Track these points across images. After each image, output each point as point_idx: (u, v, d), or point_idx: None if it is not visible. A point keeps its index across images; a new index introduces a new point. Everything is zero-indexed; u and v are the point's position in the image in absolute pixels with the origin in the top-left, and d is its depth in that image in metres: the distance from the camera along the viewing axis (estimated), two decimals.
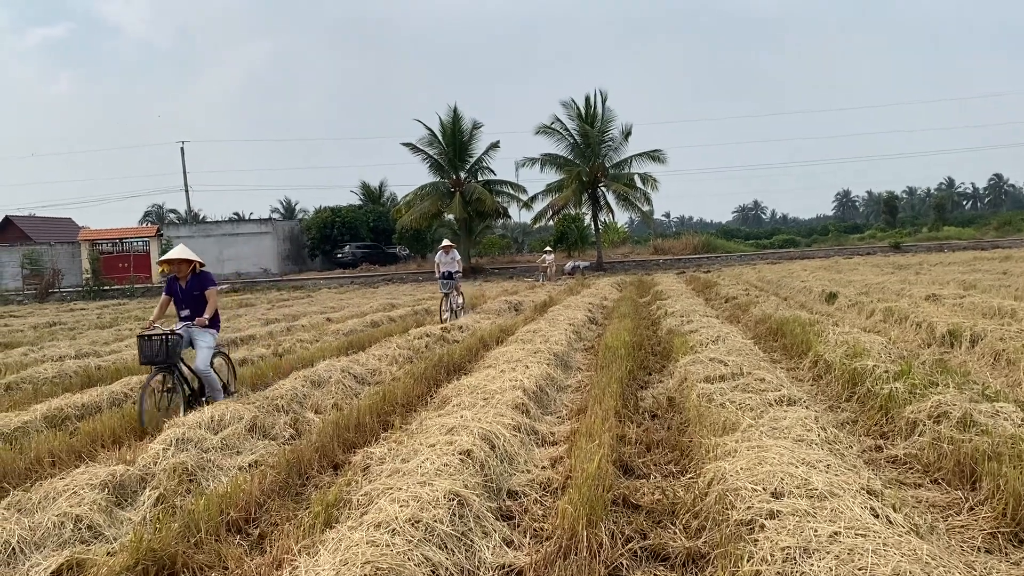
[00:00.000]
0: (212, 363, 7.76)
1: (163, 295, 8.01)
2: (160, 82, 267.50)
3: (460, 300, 17.11)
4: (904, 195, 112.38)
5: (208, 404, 7.23)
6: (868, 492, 4.00)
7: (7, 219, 62.22)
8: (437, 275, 16.95)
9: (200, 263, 7.95)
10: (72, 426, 7.23)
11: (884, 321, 11.62)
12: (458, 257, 17.22)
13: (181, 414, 7.00)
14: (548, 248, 34.32)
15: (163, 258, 8.01)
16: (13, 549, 4.06)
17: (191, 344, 7.66)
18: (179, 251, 7.91)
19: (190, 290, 7.83)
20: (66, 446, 6.32)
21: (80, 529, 4.45)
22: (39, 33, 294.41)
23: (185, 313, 7.81)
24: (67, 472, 5.33)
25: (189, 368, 7.65)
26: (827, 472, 4.19)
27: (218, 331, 8.01)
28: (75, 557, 4.06)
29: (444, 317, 15.92)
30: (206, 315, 7.66)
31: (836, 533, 3.40)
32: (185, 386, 7.55)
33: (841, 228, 71.63)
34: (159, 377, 7.44)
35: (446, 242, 17.47)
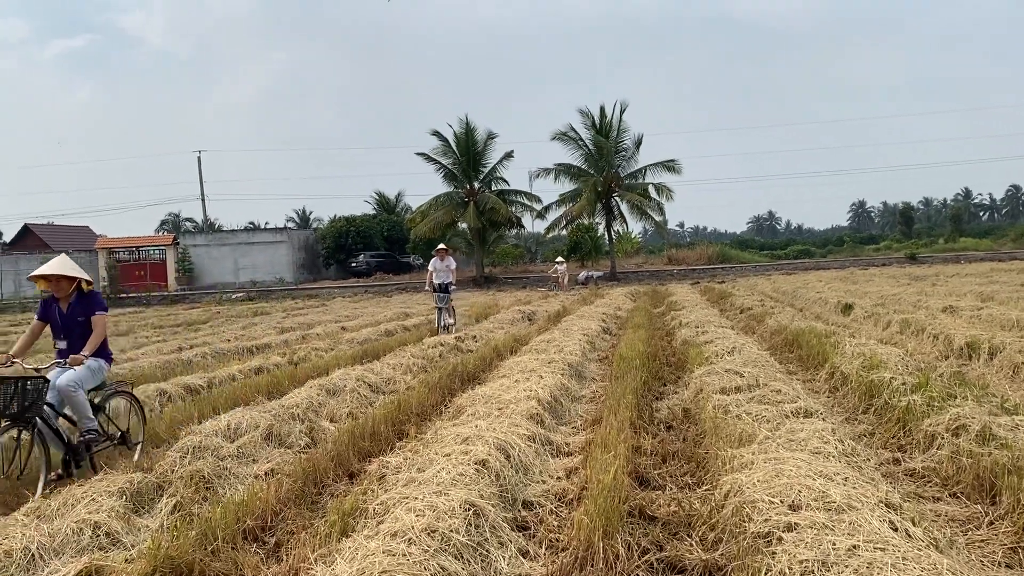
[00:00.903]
0: (108, 404, 6.38)
1: (35, 320, 6.33)
2: (177, 92, 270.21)
3: (451, 320, 15.41)
4: (920, 206, 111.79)
5: (83, 465, 5.78)
6: (887, 505, 3.97)
7: (26, 227, 62.94)
8: (428, 286, 15.35)
9: (87, 281, 6.31)
10: None
11: (901, 333, 11.55)
12: (454, 265, 15.42)
13: (39, 489, 5.36)
14: (560, 258, 33.59)
15: (36, 272, 6.25)
16: (33, 555, 4.09)
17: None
18: (58, 264, 6.22)
19: (72, 315, 6.18)
20: None
21: (98, 536, 4.48)
22: (61, 44, 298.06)
23: (62, 345, 6.17)
24: (85, 479, 5.37)
25: (69, 420, 5.99)
26: (845, 485, 4.16)
27: (109, 364, 6.45)
28: (94, 564, 4.08)
29: (444, 325, 14.96)
30: (86, 350, 5.96)
31: (855, 547, 3.38)
32: (55, 445, 5.72)
33: (856, 239, 71.20)
34: (10, 434, 5.56)
35: (441, 246, 15.89)
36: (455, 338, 13.06)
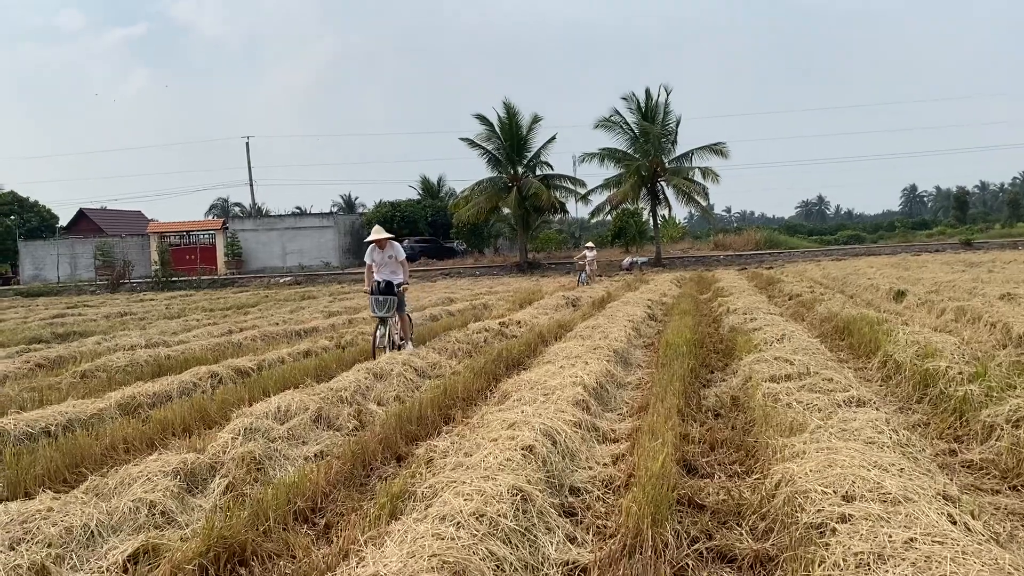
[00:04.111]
0: None
1: None
2: (227, 79, 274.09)
3: (400, 337, 10.68)
4: (976, 190, 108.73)
5: None
6: (944, 497, 3.88)
7: (81, 212, 64.53)
8: (366, 286, 10.79)
9: None
10: (144, 414, 7.44)
11: (956, 321, 11.25)
12: (402, 256, 10.93)
13: None
14: (590, 244, 28.79)
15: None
16: (92, 532, 4.19)
17: None
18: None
19: None
20: (139, 433, 6.51)
21: (154, 515, 4.58)
22: (115, 34, 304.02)
23: None
24: (140, 459, 5.49)
25: None
26: (900, 476, 4.07)
27: None
28: (150, 542, 4.18)
29: (384, 345, 10.26)
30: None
31: (912, 539, 3.31)
32: None
33: (908, 224, 69.65)
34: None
35: (380, 231, 10.97)
36: (499, 323, 13.00)
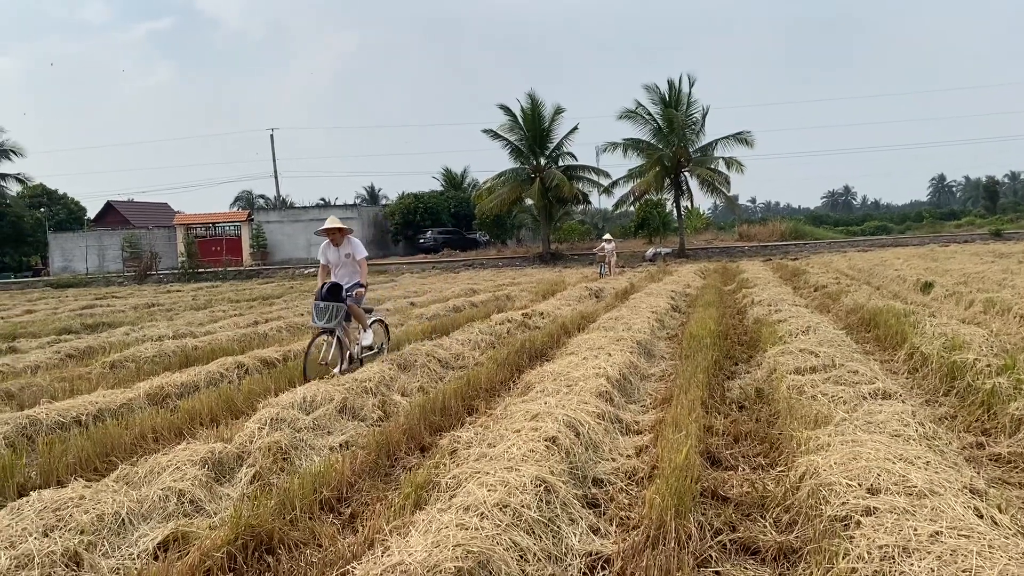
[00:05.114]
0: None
1: None
2: (252, 72, 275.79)
3: (347, 360, 8.52)
4: (1006, 180, 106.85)
5: None
6: (971, 491, 3.86)
7: (108, 204, 65.38)
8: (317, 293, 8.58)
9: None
10: (172, 404, 7.54)
11: (984, 312, 11.11)
12: (361, 255, 8.96)
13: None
14: (607, 236, 28.25)
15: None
16: (123, 520, 4.27)
17: None
18: None
19: None
20: (167, 423, 6.61)
21: (183, 503, 4.66)
22: (142, 27, 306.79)
23: None
24: (169, 448, 5.58)
25: None
26: (926, 469, 4.05)
27: None
28: (179, 529, 4.26)
29: (328, 360, 8.39)
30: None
31: (937, 533, 3.29)
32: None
33: (936, 215, 68.71)
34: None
35: (334, 221, 8.86)
36: (522, 314, 13.03)
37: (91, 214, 66.22)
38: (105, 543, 4.06)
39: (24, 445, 6.04)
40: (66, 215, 62.47)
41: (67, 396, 7.67)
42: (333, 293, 8.41)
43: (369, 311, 8.98)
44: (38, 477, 5.30)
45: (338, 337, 8.42)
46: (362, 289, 8.75)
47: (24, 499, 4.35)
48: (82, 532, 4.02)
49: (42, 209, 59.80)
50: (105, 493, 4.49)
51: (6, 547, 3.78)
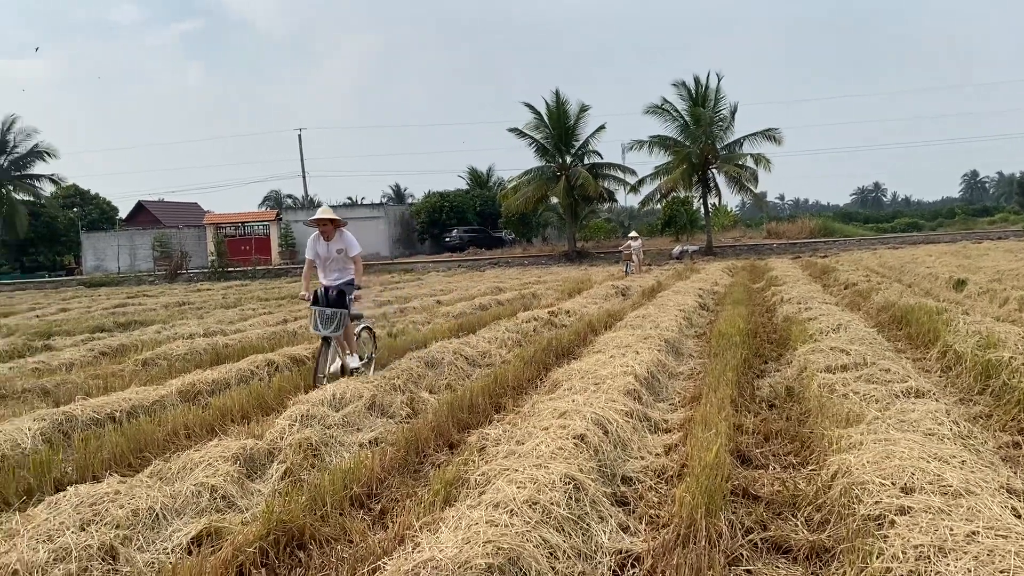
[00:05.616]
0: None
1: None
2: (280, 73, 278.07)
3: (353, 360, 8.04)
4: None
5: None
6: (1008, 491, 3.80)
7: (139, 204, 66.21)
8: (303, 291, 8.08)
9: None
10: (204, 401, 7.62)
11: (1020, 310, 10.92)
12: (356, 251, 8.13)
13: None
14: (633, 233, 27.90)
15: None
16: (157, 515, 4.33)
17: None
18: None
19: None
20: (199, 420, 6.68)
21: (215, 499, 4.71)
22: (173, 29, 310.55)
23: None
24: (201, 444, 5.66)
25: None
26: (962, 468, 3.99)
27: None
28: (212, 525, 4.31)
29: (328, 373, 7.85)
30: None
31: (974, 533, 3.24)
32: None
33: (969, 211, 67.52)
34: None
35: (326, 211, 8.11)
36: (548, 312, 13.01)
37: (123, 214, 67.10)
38: (140, 537, 4.12)
39: (60, 441, 6.14)
40: (98, 215, 63.35)
41: (101, 393, 7.78)
42: (337, 301, 7.81)
43: (359, 317, 8.26)
44: (74, 472, 5.39)
45: (332, 344, 7.94)
46: (358, 291, 8.11)
47: (61, 494, 4.42)
48: (117, 526, 4.08)
49: (75, 209, 60.69)
50: (139, 488, 4.55)
51: (44, 540, 3.84)
